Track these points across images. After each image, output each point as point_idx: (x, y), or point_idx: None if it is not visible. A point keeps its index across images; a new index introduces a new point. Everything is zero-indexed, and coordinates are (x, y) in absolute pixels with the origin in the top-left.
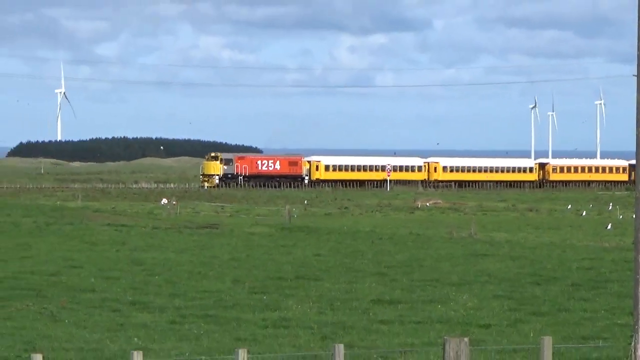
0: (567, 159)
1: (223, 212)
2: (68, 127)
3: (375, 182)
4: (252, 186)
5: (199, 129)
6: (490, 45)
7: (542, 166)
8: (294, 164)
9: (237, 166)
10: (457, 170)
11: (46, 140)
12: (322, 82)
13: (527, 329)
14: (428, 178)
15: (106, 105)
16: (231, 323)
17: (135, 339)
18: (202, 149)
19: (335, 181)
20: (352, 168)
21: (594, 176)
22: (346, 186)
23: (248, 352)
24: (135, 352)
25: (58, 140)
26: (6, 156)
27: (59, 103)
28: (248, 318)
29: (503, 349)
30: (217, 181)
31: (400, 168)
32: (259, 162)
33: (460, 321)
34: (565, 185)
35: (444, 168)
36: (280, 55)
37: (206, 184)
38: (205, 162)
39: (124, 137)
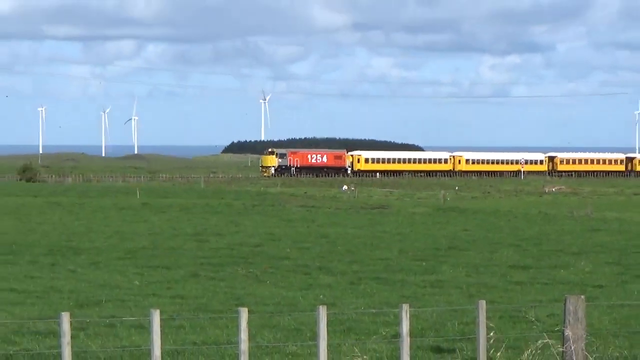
0: (573, 153)
1: (391, 196)
2: (269, 130)
3: (408, 172)
4: (303, 175)
5: (372, 131)
6: (603, 64)
7: (551, 158)
8: (339, 157)
9: (290, 159)
10: (479, 163)
11: (252, 139)
12: (470, 93)
13: (633, 288)
14: (453, 169)
15: (299, 113)
16: (397, 284)
17: (321, 296)
18: (376, 147)
19: (374, 171)
20: (388, 160)
21: (595, 167)
22: (383, 176)
23: (410, 306)
24: (320, 307)
25: (262, 140)
26: (221, 152)
27: (262, 111)
28: (411, 280)
29: (613, 304)
30: (272, 172)
31: (428, 160)
32: (309, 155)
33: (579, 282)
34: (572, 174)
35: (467, 160)
36: (437, 72)
37: (264, 174)
38: (264, 156)
39: (314, 137)
